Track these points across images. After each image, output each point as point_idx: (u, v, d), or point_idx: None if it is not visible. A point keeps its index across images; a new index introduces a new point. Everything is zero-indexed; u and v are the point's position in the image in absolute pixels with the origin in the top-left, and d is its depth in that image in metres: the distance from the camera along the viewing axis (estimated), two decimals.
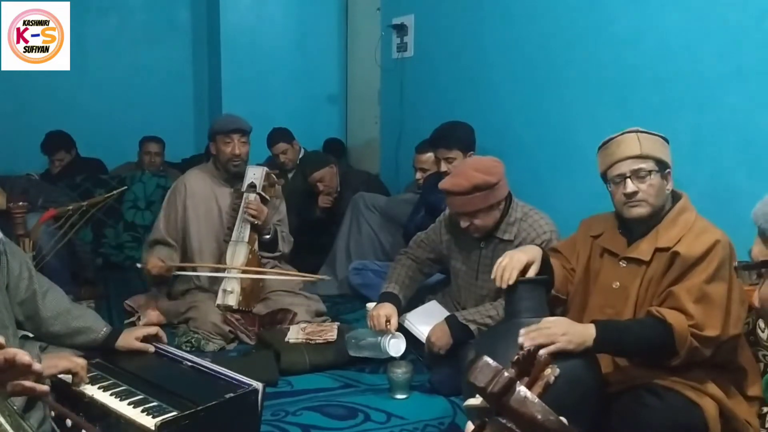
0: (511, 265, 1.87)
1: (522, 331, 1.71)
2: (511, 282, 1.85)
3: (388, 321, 2.43)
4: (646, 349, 1.77)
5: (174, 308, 3.10)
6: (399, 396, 2.40)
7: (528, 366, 0.94)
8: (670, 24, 2.49)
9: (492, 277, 1.91)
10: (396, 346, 2.43)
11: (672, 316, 1.72)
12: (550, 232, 2.39)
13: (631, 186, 1.82)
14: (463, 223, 2.40)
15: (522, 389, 0.89)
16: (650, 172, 1.83)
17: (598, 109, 2.83)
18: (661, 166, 1.85)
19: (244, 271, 3.03)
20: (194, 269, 3.12)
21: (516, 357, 0.94)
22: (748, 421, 1.76)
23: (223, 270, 3.05)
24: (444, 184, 2.42)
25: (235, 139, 3.14)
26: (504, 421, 0.89)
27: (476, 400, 0.99)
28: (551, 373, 0.95)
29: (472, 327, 2.36)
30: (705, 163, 2.33)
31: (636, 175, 1.83)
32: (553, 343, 1.67)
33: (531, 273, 1.89)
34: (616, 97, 2.74)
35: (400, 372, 2.38)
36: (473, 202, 2.34)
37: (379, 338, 2.44)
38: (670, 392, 1.70)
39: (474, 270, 2.52)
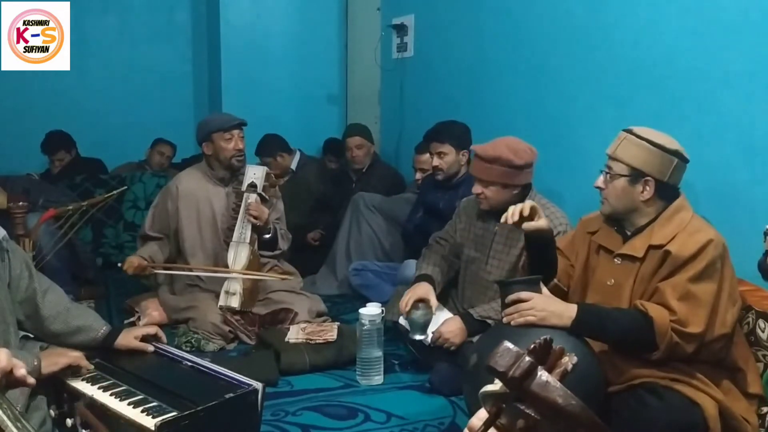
0: (521, 206, 1.90)
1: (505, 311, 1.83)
2: (515, 219, 1.89)
3: (419, 301, 2.40)
4: (625, 338, 1.79)
5: (174, 303, 3.11)
6: (417, 336, 2.40)
7: (544, 355, 0.93)
8: (670, 24, 2.49)
9: (503, 220, 1.95)
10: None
11: (654, 310, 1.74)
12: (565, 224, 2.42)
13: (599, 180, 1.91)
14: (475, 189, 2.46)
15: (544, 374, 0.87)
16: (617, 175, 1.86)
17: (598, 108, 2.82)
18: (635, 173, 1.84)
19: (218, 271, 3.06)
20: (170, 269, 3.13)
21: (532, 345, 0.93)
22: (747, 420, 1.76)
23: (201, 270, 3.09)
24: (476, 146, 2.53)
25: (235, 134, 3.14)
26: (522, 407, 0.88)
27: (494, 387, 0.97)
28: (569, 360, 0.93)
29: (490, 322, 2.36)
30: (705, 163, 2.32)
31: (607, 172, 1.90)
32: (527, 318, 1.78)
33: (541, 223, 1.90)
34: (616, 96, 2.73)
35: (420, 313, 2.36)
36: (490, 172, 2.40)
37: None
38: (669, 392, 1.71)
39: (485, 255, 2.53)
